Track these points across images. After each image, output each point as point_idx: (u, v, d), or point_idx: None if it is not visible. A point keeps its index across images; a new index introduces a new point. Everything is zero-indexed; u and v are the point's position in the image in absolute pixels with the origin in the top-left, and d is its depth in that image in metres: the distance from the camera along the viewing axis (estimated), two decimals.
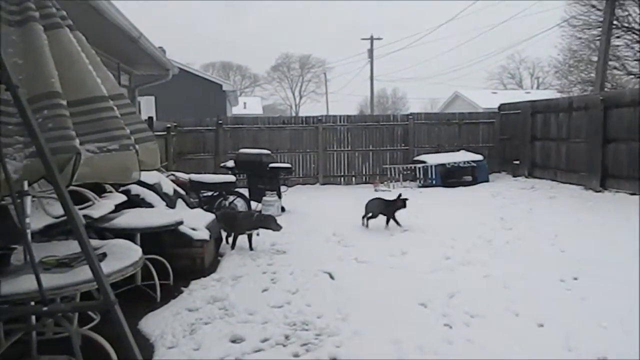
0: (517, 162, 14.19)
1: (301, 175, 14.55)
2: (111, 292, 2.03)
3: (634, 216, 8.34)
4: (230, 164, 10.02)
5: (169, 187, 6.67)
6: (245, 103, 39.41)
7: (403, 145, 14.93)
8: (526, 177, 13.74)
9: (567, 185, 12.00)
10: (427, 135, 15.03)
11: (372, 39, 38.07)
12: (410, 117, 15.22)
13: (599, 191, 10.94)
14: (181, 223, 5.15)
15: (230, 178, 8.47)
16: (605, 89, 16.18)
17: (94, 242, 3.24)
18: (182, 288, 5.05)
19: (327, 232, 7.84)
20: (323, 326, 4.07)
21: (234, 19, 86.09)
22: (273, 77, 65.23)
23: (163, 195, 6.22)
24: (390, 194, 12.20)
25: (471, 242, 7.03)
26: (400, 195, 8.34)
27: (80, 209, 4.32)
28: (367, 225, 8.16)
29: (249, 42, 79.06)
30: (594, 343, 3.77)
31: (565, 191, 11.40)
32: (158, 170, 7.60)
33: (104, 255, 2.98)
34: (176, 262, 5.34)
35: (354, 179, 14.77)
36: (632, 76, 20.46)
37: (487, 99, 30.85)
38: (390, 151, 14.93)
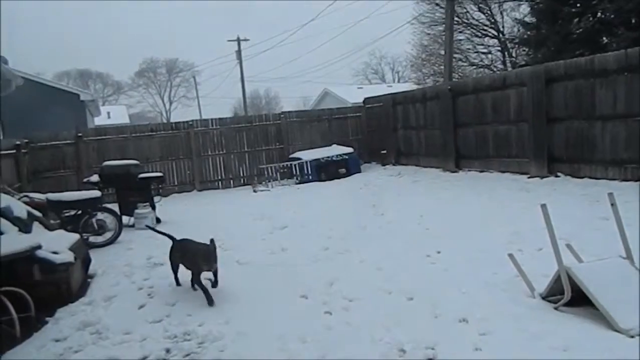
0: (384, 151, 15.15)
1: (176, 183, 14.03)
2: None
3: (483, 189, 9.42)
4: (95, 178, 9.31)
5: (21, 210, 6.01)
6: (109, 113, 36.81)
7: (278, 144, 15.11)
8: (393, 164, 14.74)
9: (429, 169, 13.11)
10: (300, 132, 15.37)
11: (238, 40, 37.85)
12: (282, 115, 15.46)
13: (455, 171, 12.13)
14: (38, 248, 4.69)
15: (95, 194, 7.87)
16: (453, 79, 17.92)
17: None
18: (47, 318, 4.61)
19: (206, 238, 7.62)
20: (205, 333, 4.00)
21: (89, 24, 79.67)
22: (138, 83, 61.81)
23: (14, 220, 5.59)
24: (269, 194, 12.37)
25: (347, 231, 7.36)
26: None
27: None
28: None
29: (108, 48, 73.74)
30: (457, 307, 4.19)
31: (427, 174, 12.45)
32: (7, 192, 6.82)
33: None
34: (38, 291, 4.82)
35: (232, 181, 14.61)
36: (474, 66, 22.94)
37: (354, 94, 32.36)
38: (266, 151, 15.01)
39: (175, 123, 14.82)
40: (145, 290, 5.31)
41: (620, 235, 4.08)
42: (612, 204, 4.10)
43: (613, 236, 4.11)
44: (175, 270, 5.28)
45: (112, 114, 37.06)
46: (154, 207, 9.21)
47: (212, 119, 14.84)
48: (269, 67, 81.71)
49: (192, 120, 14.65)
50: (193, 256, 4.90)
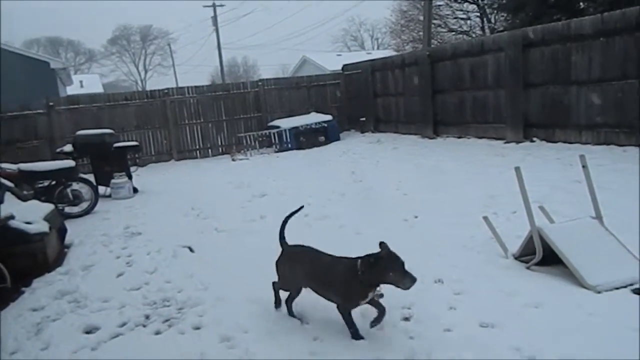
0: (364, 118, 15.12)
1: (153, 153, 13.82)
2: None
3: (461, 155, 9.53)
4: (69, 148, 9.10)
5: None
6: (81, 81, 35.78)
7: (256, 112, 14.92)
8: (372, 132, 14.74)
9: (407, 136, 13.15)
10: (278, 100, 15.19)
11: (214, 5, 36.84)
12: (260, 83, 15.22)
13: (433, 138, 12.20)
14: (11, 218, 4.60)
15: (69, 163, 7.70)
16: (432, 46, 17.81)
17: None
18: (23, 288, 4.56)
19: (186, 207, 7.62)
20: (185, 299, 4.02)
21: None
22: (111, 51, 59.98)
23: None
24: (248, 162, 12.29)
25: (326, 198, 7.39)
26: None
27: None
28: None
29: (79, 15, 71.00)
30: (433, 269, 4.27)
31: (406, 141, 12.50)
32: None
33: None
34: (13, 262, 4.75)
35: (210, 151, 14.45)
36: (453, 33, 22.81)
37: (333, 61, 32.02)
38: (244, 119, 14.83)
39: (151, 91, 14.48)
40: (123, 259, 5.28)
41: (591, 197, 4.18)
42: (583, 166, 4.18)
43: (585, 198, 4.20)
44: (286, 289, 3.65)
45: (84, 83, 36.05)
46: (130, 177, 9.08)
47: (188, 87, 14.53)
48: (246, 33, 79.97)
49: (168, 89, 14.34)
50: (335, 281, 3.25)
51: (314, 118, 14.06)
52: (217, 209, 7.33)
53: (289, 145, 13.46)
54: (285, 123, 13.85)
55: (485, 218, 4.82)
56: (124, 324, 3.68)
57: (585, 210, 4.29)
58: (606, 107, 8.38)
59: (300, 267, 3.50)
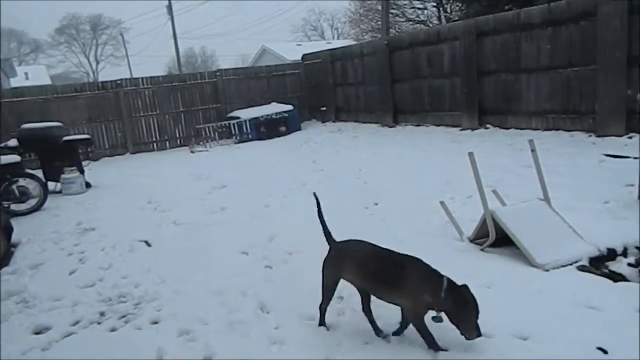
0: (324, 108, 15.13)
1: (107, 147, 13.40)
2: None
3: (419, 142, 9.69)
4: (13, 142, 8.67)
5: None
6: (27, 73, 34.20)
7: (215, 103, 14.68)
8: (333, 121, 14.78)
9: (368, 125, 13.26)
10: (237, 90, 14.99)
11: None
12: (219, 73, 14.97)
13: (392, 126, 12.34)
14: None
15: (14, 159, 7.36)
16: (391, 35, 17.95)
17: None
18: None
19: (142, 200, 7.44)
20: (141, 294, 3.94)
21: None
22: (59, 41, 57.42)
23: None
24: (208, 154, 12.10)
25: (287, 188, 7.38)
26: None
27: None
28: None
29: (22, 3, 67.58)
30: None
31: (366, 130, 12.60)
32: None
33: None
34: None
35: (167, 143, 14.13)
36: (411, 22, 23.06)
37: (293, 51, 31.79)
38: (202, 110, 14.57)
39: (102, 83, 13.99)
40: (75, 255, 5.11)
41: (539, 180, 4.34)
42: (532, 150, 4.32)
43: (535, 181, 4.35)
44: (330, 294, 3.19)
45: (30, 75, 34.47)
46: (82, 172, 8.76)
47: (142, 78, 14.13)
48: (203, 23, 78.26)
49: (121, 80, 13.89)
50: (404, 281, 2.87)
51: (274, 108, 13.96)
52: (175, 202, 7.19)
53: (250, 136, 13.33)
54: (245, 114, 13.69)
55: (442, 203, 4.93)
56: (76, 323, 3.56)
57: (535, 193, 4.45)
58: (554, 94, 8.69)
59: (359, 265, 3.05)
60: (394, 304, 2.95)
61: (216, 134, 13.83)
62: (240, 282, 3.99)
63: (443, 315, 2.79)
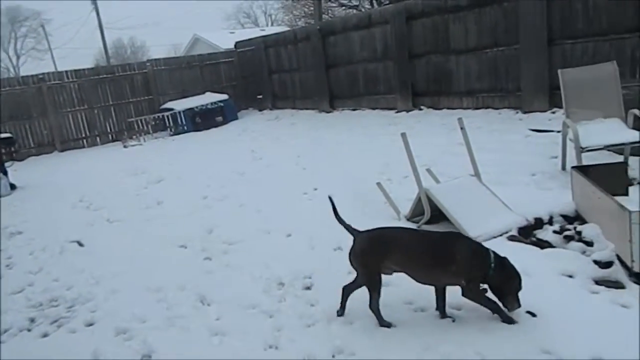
0: (260, 96, 14.96)
1: (33, 145, 12.61)
2: None
3: (356, 126, 9.82)
4: None
5: None
6: None
7: (146, 94, 14.14)
8: (270, 109, 14.66)
9: (305, 111, 13.25)
10: (170, 81, 14.50)
11: None
12: (149, 64, 14.41)
13: (330, 112, 12.42)
14: None
15: None
16: (323, 20, 17.95)
17: None
18: None
19: (73, 199, 7.08)
20: (75, 296, 3.77)
21: None
22: None
23: None
24: (142, 148, 11.67)
25: (226, 178, 7.26)
26: None
27: None
28: None
29: None
30: (332, 238, 4.32)
31: (303, 116, 12.60)
32: None
33: None
34: None
35: (98, 138, 13.49)
36: (343, 7, 23.16)
37: (227, 40, 31.05)
38: (134, 103, 13.99)
39: (23, 77, 13.10)
40: (1, 262, 4.79)
41: (469, 156, 4.52)
42: (461, 128, 4.49)
43: (467, 158, 4.52)
44: (379, 286, 2.93)
45: None
46: (5, 173, 8.21)
47: (67, 71, 13.34)
48: (130, 12, 74.82)
49: (43, 74, 13.07)
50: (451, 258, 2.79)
51: (209, 98, 13.63)
52: (109, 199, 6.90)
53: (185, 128, 12.96)
54: (179, 105, 13.29)
55: (379, 184, 5.04)
56: (5, 331, 3.36)
57: (468, 170, 4.62)
58: (482, 74, 9.05)
59: (402, 251, 2.90)
60: (443, 285, 2.87)
61: (150, 127, 13.34)
62: (178, 276, 3.91)
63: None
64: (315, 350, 2.74)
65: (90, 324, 3.35)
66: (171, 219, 5.62)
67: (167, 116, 13.16)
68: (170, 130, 13.15)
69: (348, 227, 3.06)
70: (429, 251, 2.85)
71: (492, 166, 5.42)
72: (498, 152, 6.33)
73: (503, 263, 2.79)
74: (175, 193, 6.79)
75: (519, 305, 2.79)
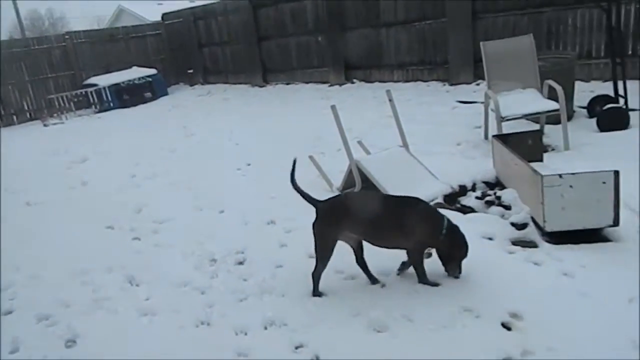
0: (191, 70, 14.45)
1: None
2: None
3: (289, 100, 9.76)
4: None
5: None
6: None
7: (67, 69, 13.26)
8: (202, 84, 14.22)
9: (238, 85, 12.97)
10: (93, 55, 13.65)
11: None
12: (67, 36, 13.47)
13: (263, 86, 12.24)
14: None
15: None
16: None
17: None
18: None
19: None
20: None
21: None
22: None
23: None
24: (64, 127, 10.99)
25: (156, 155, 7.02)
26: None
27: None
28: None
29: None
30: (265, 212, 4.37)
31: (236, 91, 12.33)
32: None
33: None
34: None
35: (15, 117, 12.52)
36: None
37: (153, 11, 29.50)
38: (53, 78, 13.08)
39: None
40: None
41: (398, 127, 4.62)
42: (389, 100, 4.58)
43: (397, 130, 4.63)
44: (329, 256, 2.92)
45: None
46: None
47: None
48: None
49: None
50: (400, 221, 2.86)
51: (136, 73, 12.99)
52: (28, 181, 6.48)
53: (111, 104, 12.31)
54: (104, 80, 12.57)
55: (311, 157, 5.05)
56: None
57: (398, 141, 4.73)
58: (412, 47, 9.22)
59: (360, 217, 2.84)
60: (395, 248, 2.92)
61: (72, 104, 12.54)
62: (105, 258, 3.76)
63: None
64: (247, 323, 2.75)
65: (9, 312, 3.17)
66: (96, 199, 5.38)
67: (91, 92, 12.42)
68: (95, 107, 12.45)
69: (307, 197, 3.00)
70: (390, 215, 2.86)
71: (420, 137, 5.60)
72: (426, 123, 6.52)
73: (454, 230, 2.88)
74: (101, 173, 6.48)
75: (460, 273, 2.91)
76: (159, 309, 2.99)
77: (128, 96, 12.43)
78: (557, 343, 2.34)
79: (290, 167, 3.11)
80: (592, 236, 3.22)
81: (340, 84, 10.34)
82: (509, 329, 2.51)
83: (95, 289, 3.33)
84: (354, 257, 3.01)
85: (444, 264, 2.92)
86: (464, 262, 2.90)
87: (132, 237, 4.19)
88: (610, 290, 2.69)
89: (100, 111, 12.27)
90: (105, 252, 3.92)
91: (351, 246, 2.98)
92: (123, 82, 12.50)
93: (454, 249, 2.87)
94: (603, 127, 5.21)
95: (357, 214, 2.85)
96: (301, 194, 3.02)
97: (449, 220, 2.89)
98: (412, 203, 2.95)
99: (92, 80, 12.76)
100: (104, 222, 4.57)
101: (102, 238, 4.27)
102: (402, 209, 2.90)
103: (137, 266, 3.59)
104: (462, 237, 2.89)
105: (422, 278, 2.91)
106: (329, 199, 3.07)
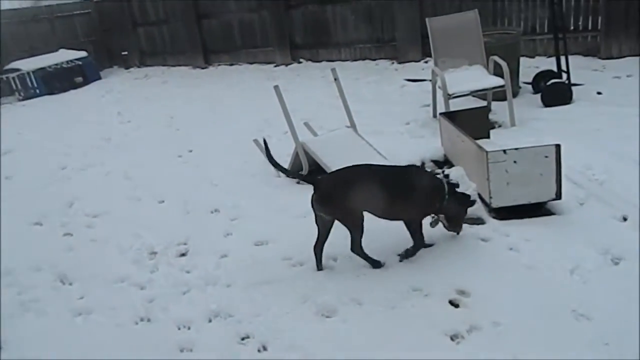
0: (126, 53, 13.65)
1: None
2: None
3: (233, 82, 9.45)
4: None
5: None
6: None
7: None
8: (138, 66, 13.48)
9: (178, 68, 12.40)
10: (12, 37, 12.53)
11: None
12: None
13: (205, 68, 11.76)
14: None
15: None
16: None
17: None
18: None
19: None
20: None
21: None
22: None
23: None
24: None
25: (89, 145, 6.57)
26: None
27: None
28: None
29: None
30: (209, 201, 4.18)
31: (176, 73, 11.79)
32: None
33: None
34: None
35: None
36: None
37: None
38: None
39: None
40: None
41: (344, 107, 4.51)
42: (335, 79, 4.46)
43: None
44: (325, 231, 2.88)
45: None
46: None
47: None
48: None
49: None
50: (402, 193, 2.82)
51: (63, 56, 12.07)
52: None
53: (37, 91, 11.42)
54: (28, 64, 11.59)
55: (255, 141, 4.87)
56: None
57: (346, 121, 4.62)
58: (359, 25, 9.10)
59: (365, 190, 2.72)
60: (396, 220, 2.91)
61: None
62: (33, 257, 3.46)
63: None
64: (191, 316, 2.60)
65: None
66: (21, 194, 4.95)
67: (13, 78, 11.45)
68: (20, 95, 11.52)
69: (298, 176, 3.24)
70: (394, 185, 2.81)
71: (369, 117, 5.52)
72: (375, 102, 6.46)
73: (455, 193, 2.94)
74: (26, 165, 5.99)
75: (461, 229, 3.03)
76: (94, 307, 2.79)
77: (57, 82, 11.56)
78: (502, 317, 2.37)
79: (264, 150, 3.08)
80: (536, 210, 3.26)
81: (287, 64, 10.09)
82: (456, 305, 2.52)
83: (21, 291, 3.05)
84: (304, 241, 2.89)
85: (449, 224, 3.01)
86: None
87: (63, 233, 3.89)
88: (553, 262, 2.75)
89: (25, 99, 11.35)
90: (33, 250, 3.62)
91: (321, 228, 2.85)
92: (50, 67, 11.61)
93: (459, 211, 2.98)
94: (547, 102, 5.32)
95: (361, 188, 2.74)
96: (284, 172, 3.14)
97: (448, 184, 2.95)
98: (414, 172, 3.02)
99: (14, 64, 11.74)
100: (30, 219, 4.23)
101: (29, 235, 3.96)
102: (407, 178, 2.88)
103: (70, 264, 3.33)
104: (462, 197, 2.96)
105: (420, 245, 2.92)
106: (327, 175, 3.13)
